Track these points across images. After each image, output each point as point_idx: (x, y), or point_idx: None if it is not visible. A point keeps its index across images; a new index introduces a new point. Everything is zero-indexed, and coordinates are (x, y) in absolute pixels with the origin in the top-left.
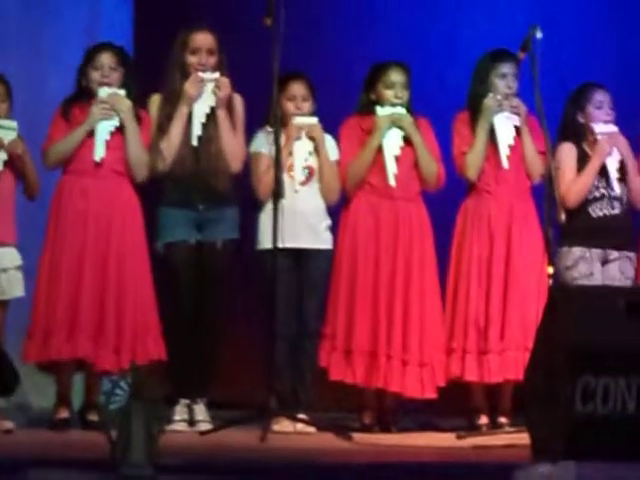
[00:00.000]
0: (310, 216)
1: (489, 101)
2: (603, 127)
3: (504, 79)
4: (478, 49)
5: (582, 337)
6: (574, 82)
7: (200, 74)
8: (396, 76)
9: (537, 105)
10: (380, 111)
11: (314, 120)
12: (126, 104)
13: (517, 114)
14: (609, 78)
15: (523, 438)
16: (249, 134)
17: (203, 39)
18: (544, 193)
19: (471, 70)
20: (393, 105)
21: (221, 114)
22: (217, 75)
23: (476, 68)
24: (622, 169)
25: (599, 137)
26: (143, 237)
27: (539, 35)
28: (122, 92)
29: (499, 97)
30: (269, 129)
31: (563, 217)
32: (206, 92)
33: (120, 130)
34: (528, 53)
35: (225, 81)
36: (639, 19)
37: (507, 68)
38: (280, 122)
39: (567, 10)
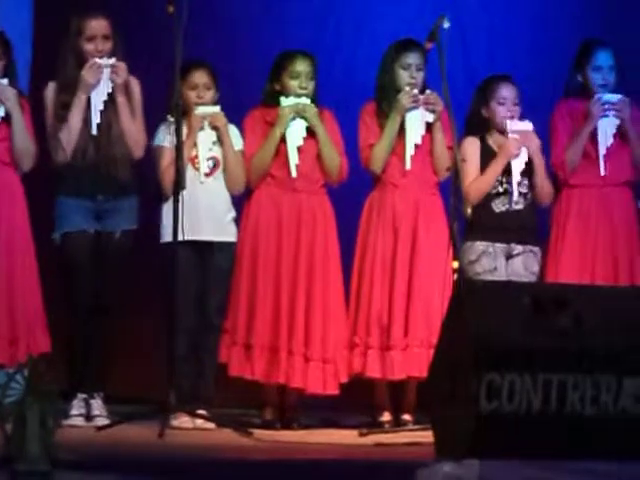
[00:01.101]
0: (215, 208)
1: (403, 97)
2: (518, 125)
3: (408, 70)
4: (386, 40)
5: (487, 334)
6: (483, 73)
7: (97, 60)
8: (301, 66)
9: (444, 97)
10: (284, 101)
11: (217, 109)
12: (11, 93)
13: (432, 110)
14: (519, 68)
15: (427, 436)
16: (151, 124)
17: (98, 25)
18: (451, 187)
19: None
20: (298, 96)
21: (120, 100)
22: (113, 60)
23: (382, 59)
24: (530, 164)
25: (510, 135)
26: (28, 228)
27: (446, 25)
28: (5, 81)
29: (415, 92)
30: (170, 119)
31: (469, 211)
32: (103, 78)
33: (5, 120)
34: (435, 43)
35: (122, 66)
36: (549, 8)
37: (412, 59)
38: (182, 112)
39: (475, 0)
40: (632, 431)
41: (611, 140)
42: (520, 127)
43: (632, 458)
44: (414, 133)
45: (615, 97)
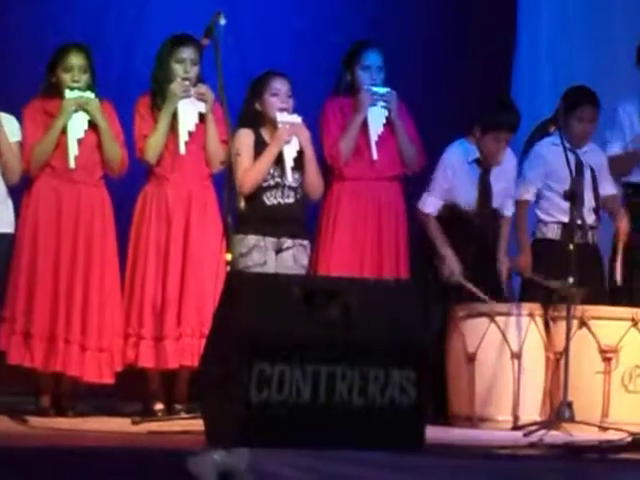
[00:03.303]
0: None
1: (175, 86)
2: (286, 117)
3: (182, 64)
4: (164, 33)
5: (258, 325)
6: (259, 69)
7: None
8: (74, 59)
9: (219, 91)
10: (68, 94)
11: None
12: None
13: (204, 101)
14: (293, 65)
15: (198, 424)
16: None
17: None
18: (225, 180)
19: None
20: (71, 88)
21: None
22: None
23: (158, 53)
24: (300, 159)
25: (280, 125)
26: None
27: (223, 22)
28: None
29: (187, 83)
30: None
31: (243, 204)
32: None
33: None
34: (211, 39)
35: None
36: (324, 6)
37: (186, 53)
38: None
39: None
40: (399, 421)
41: (381, 128)
42: (289, 119)
43: (400, 447)
44: (187, 120)
45: (383, 89)
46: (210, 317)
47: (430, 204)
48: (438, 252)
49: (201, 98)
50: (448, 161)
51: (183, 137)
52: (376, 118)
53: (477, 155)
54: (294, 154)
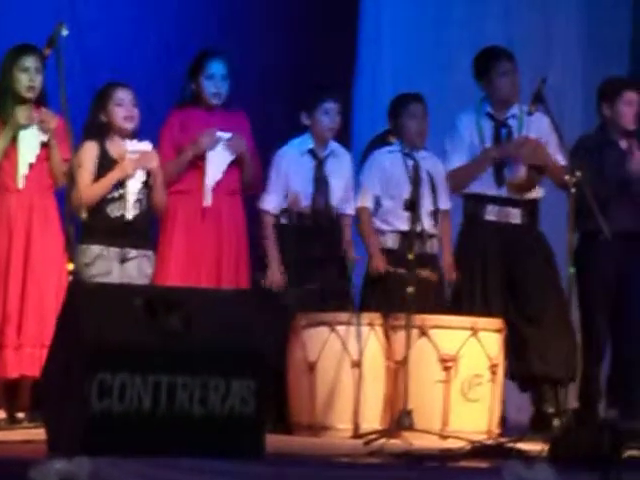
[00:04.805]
0: None
1: (20, 114)
2: (136, 145)
3: (27, 72)
4: (8, 43)
5: (99, 334)
6: (103, 79)
7: None
8: None
9: (62, 102)
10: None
11: None
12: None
13: (46, 130)
14: (138, 75)
15: (41, 434)
16: None
17: None
18: (66, 191)
19: None
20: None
21: None
22: None
23: (2, 63)
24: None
25: (128, 156)
26: None
27: (65, 32)
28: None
29: (33, 114)
30: None
31: (84, 215)
32: None
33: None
34: (54, 50)
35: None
36: (170, 14)
37: (30, 62)
38: None
39: (95, 9)
40: (239, 430)
41: (220, 175)
42: (139, 147)
43: (240, 456)
44: (27, 154)
45: (227, 135)
46: (52, 327)
47: (269, 201)
48: (267, 255)
49: (43, 127)
50: (282, 153)
51: (22, 170)
52: (217, 164)
53: (311, 145)
54: (139, 185)
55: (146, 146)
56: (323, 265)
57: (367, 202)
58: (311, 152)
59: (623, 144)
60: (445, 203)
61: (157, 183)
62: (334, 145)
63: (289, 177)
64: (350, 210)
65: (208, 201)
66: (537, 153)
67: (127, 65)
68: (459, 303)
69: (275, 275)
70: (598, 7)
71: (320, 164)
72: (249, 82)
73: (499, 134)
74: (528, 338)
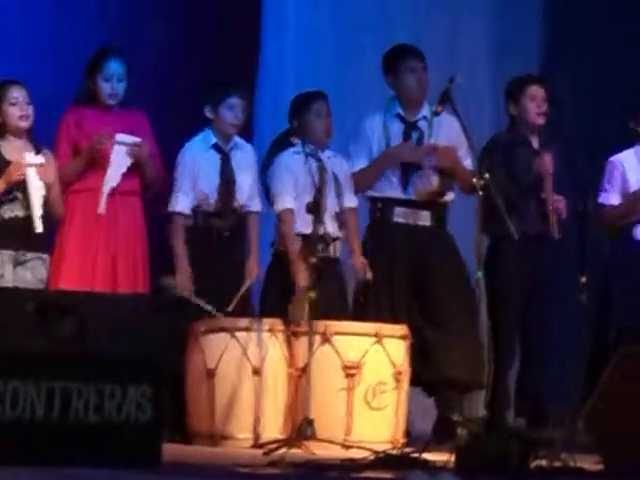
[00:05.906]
0: None
1: None
2: (32, 158)
3: None
4: None
5: None
6: None
7: None
8: None
9: None
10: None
11: None
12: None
13: None
14: (34, 73)
15: None
16: None
17: None
18: None
19: None
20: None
21: None
22: None
23: None
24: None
25: (24, 166)
26: None
27: None
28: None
29: None
30: None
31: None
32: None
33: None
34: None
35: None
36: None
37: None
38: None
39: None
40: (136, 438)
41: (117, 181)
42: (35, 160)
43: (136, 465)
44: None
45: (131, 139)
46: None
47: (178, 202)
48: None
49: None
50: (186, 150)
51: None
52: (115, 168)
53: (214, 140)
54: (41, 199)
55: (42, 158)
56: (225, 268)
57: (288, 203)
58: (215, 146)
59: (535, 142)
60: (351, 201)
61: (52, 196)
62: (237, 139)
63: (196, 174)
64: (256, 207)
65: (102, 209)
66: (448, 158)
67: (19, 61)
68: (365, 307)
69: (183, 279)
70: (507, 9)
71: (226, 157)
72: (148, 78)
73: (409, 137)
74: (435, 343)
